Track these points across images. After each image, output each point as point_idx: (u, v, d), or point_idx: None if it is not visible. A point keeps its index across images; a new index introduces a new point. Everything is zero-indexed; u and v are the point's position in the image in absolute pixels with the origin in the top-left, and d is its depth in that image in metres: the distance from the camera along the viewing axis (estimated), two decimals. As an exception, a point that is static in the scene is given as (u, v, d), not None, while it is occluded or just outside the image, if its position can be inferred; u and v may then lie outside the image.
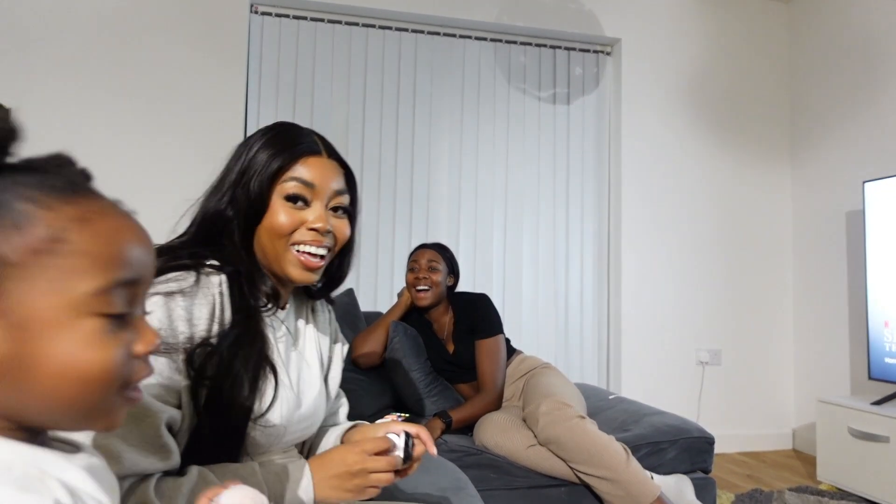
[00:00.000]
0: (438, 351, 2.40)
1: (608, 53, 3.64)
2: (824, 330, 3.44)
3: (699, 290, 3.57)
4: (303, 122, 3.49)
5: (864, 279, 2.95)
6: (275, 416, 0.92)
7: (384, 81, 3.33)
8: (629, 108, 3.54)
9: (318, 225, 0.93)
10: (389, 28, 3.34)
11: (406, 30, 3.36)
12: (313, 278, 0.97)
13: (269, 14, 3.20)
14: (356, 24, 3.30)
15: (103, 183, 0.54)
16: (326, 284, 1.07)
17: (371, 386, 2.33)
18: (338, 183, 0.98)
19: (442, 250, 2.42)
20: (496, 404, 2.26)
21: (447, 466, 1.58)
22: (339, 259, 1.04)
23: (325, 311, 1.15)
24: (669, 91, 3.60)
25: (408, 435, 0.95)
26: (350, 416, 2.25)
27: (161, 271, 0.85)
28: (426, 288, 2.32)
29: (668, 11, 3.62)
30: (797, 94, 3.72)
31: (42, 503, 0.42)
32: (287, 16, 3.22)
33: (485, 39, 3.47)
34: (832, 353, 3.38)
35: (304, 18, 3.24)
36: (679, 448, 2.11)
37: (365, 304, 3.11)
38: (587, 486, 1.96)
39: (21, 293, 0.43)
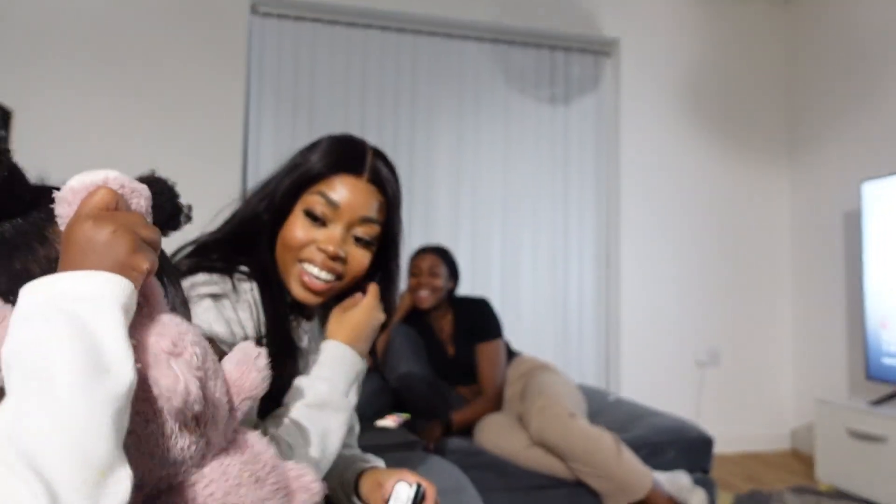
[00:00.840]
0: (438, 353, 2.40)
1: (607, 54, 3.65)
2: (822, 330, 3.45)
3: (698, 290, 3.57)
4: (302, 123, 3.48)
5: (861, 279, 2.95)
6: None
7: (383, 82, 3.33)
8: (628, 109, 3.54)
9: (327, 247, 0.88)
10: (389, 29, 3.34)
11: (405, 30, 3.36)
12: (314, 300, 0.92)
13: (270, 15, 3.20)
14: (355, 25, 3.30)
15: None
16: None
17: (372, 386, 2.33)
18: (368, 210, 0.91)
19: (442, 254, 2.42)
20: (496, 407, 2.27)
21: (448, 468, 1.58)
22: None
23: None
24: (668, 92, 3.60)
25: (419, 486, 0.93)
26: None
27: (192, 270, 0.84)
28: (427, 292, 2.34)
29: (667, 12, 3.62)
30: (795, 94, 3.72)
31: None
32: (287, 17, 3.22)
33: (484, 40, 3.47)
34: (830, 353, 3.39)
35: (305, 19, 3.24)
36: (678, 449, 2.11)
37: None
38: (586, 485, 1.97)
39: None
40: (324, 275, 0.90)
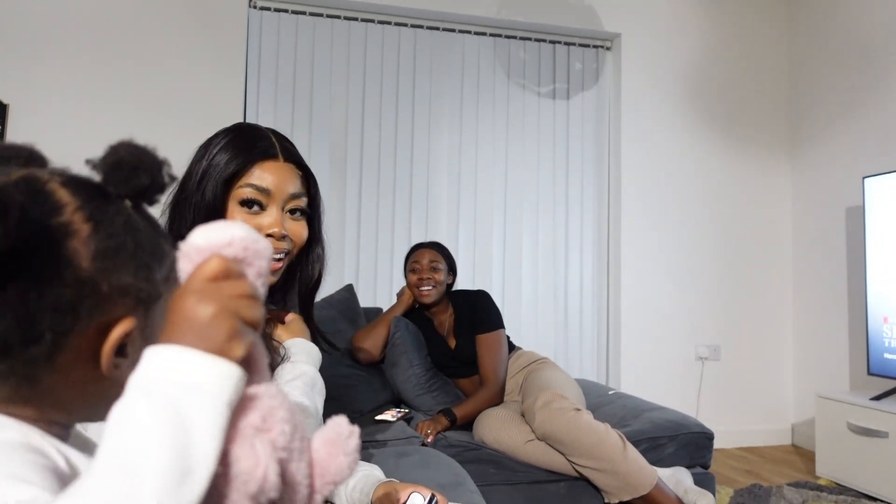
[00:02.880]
0: (440, 346, 2.40)
1: (608, 48, 3.63)
2: (824, 325, 3.45)
3: (698, 285, 3.57)
4: (301, 117, 3.49)
5: (863, 275, 2.94)
6: None
7: (383, 76, 3.32)
8: (629, 104, 3.53)
9: (274, 230, 0.95)
10: (388, 23, 3.33)
11: (405, 24, 3.35)
12: (272, 280, 0.99)
13: (268, 9, 3.19)
14: (355, 19, 3.29)
15: (99, 178, 0.56)
16: (303, 290, 1.09)
17: (371, 381, 2.34)
18: (294, 186, 0.99)
19: (441, 249, 2.42)
20: (498, 398, 2.27)
21: (447, 462, 1.58)
22: (304, 260, 1.07)
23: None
24: (669, 86, 3.59)
25: (433, 496, 1.00)
26: (350, 411, 2.25)
27: None
28: (430, 287, 2.33)
29: (668, 6, 3.60)
30: (797, 89, 3.71)
31: (46, 461, 0.44)
32: (286, 11, 3.21)
33: (484, 34, 3.46)
34: (831, 348, 3.39)
35: (303, 13, 3.23)
36: (678, 443, 2.11)
37: (364, 300, 3.11)
38: (586, 480, 1.97)
39: (156, 312, 0.50)
40: (277, 255, 0.98)
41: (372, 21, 3.31)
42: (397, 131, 3.32)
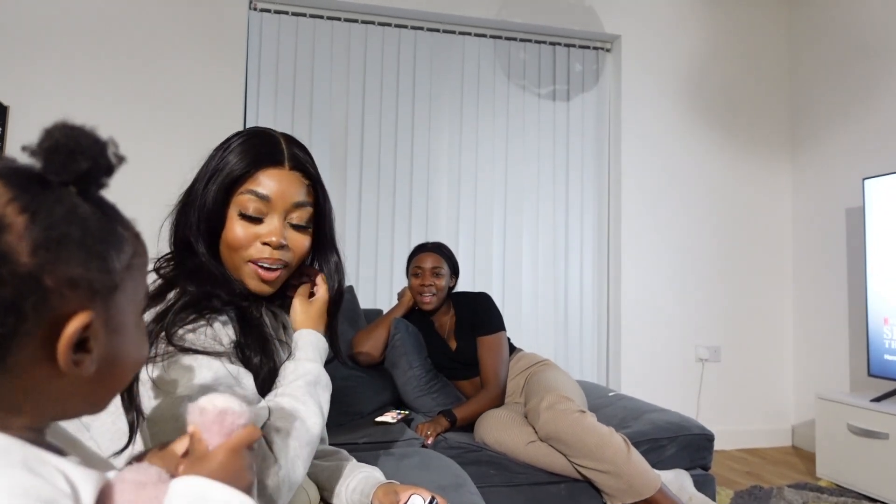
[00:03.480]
0: (440, 348, 2.40)
1: (608, 50, 3.64)
2: (824, 327, 3.45)
3: (699, 286, 3.57)
4: (302, 119, 3.49)
5: (863, 276, 2.94)
6: None
7: (383, 78, 3.32)
8: (629, 105, 3.53)
9: (271, 239, 0.94)
10: (389, 25, 3.34)
11: (405, 26, 3.35)
12: (269, 290, 0.97)
13: (268, 11, 3.19)
14: (355, 21, 3.30)
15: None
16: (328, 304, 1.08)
17: (371, 382, 2.34)
18: (298, 196, 0.96)
19: (443, 252, 2.41)
20: (499, 400, 2.27)
21: (447, 463, 1.58)
22: (323, 267, 1.06)
23: None
24: (669, 88, 3.59)
25: (433, 498, 1.01)
26: (350, 413, 2.25)
27: (174, 313, 0.87)
28: (431, 294, 2.33)
29: (668, 8, 3.61)
30: (797, 90, 3.71)
31: (46, 486, 0.43)
32: (286, 12, 3.21)
33: (484, 36, 3.46)
34: (832, 349, 3.38)
35: (304, 15, 3.23)
36: (679, 445, 2.11)
37: (364, 302, 3.11)
38: (588, 481, 1.96)
39: (118, 303, 0.50)
40: (274, 266, 0.96)
41: (372, 23, 3.32)
42: (397, 133, 3.32)
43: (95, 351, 0.48)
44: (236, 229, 0.94)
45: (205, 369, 0.84)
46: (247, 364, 0.91)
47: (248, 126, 3.12)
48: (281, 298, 1.05)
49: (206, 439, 0.59)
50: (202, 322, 0.88)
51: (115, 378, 0.52)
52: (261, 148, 0.96)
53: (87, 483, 0.47)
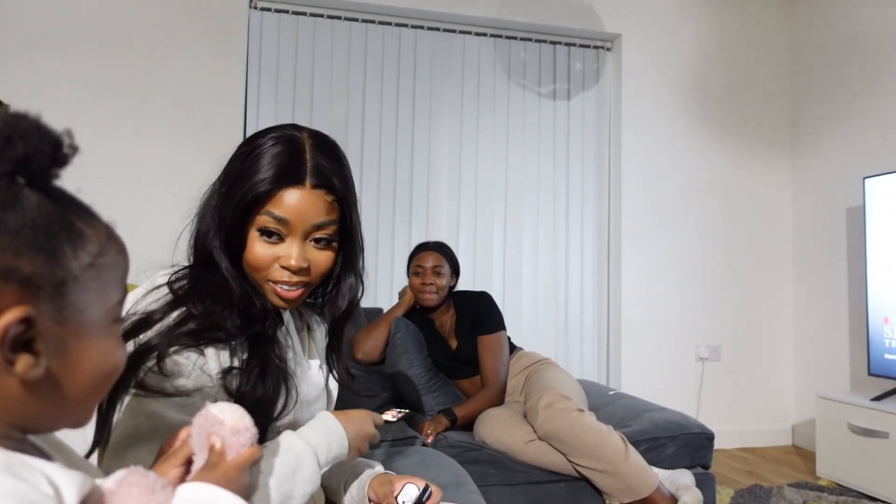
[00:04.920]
0: (441, 347, 2.40)
1: (608, 49, 3.63)
2: (824, 326, 3.44)
3: (699, 285, 3.57)
4: (302, 118, 3.49)
5: (864, 275, 2.94)
6: (286, 419, 0.94)
7: (384, 77, 3.32)
8: (629, 104, 3.53)
9: (290, 263, 0.90)
10: (389, 24, 3.34)
11: (406, 25, 3.35)
12: (292, 306, 0.95)
13: (269, 10, 3.19)
14: (356, 20, 3.29)
15: (99, 180, 0.55)
16: (333, 320, 1.05)
17: (371, 381, 2.34)
18: (319, 216, 0.91)
19: (444, 251, 2.41)
20: (499, 399, 2.27)
21: (447, 462, 1.58)
22: (335, 286, 1.01)
23: (321, 326, 1.14)
24: (670, 86, 3.59)
25: (426, 486, 1.02)
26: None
27: (172, 337, 0.83)
28: (433, 293, 2.33)
29: (669, 6, 3.60)
30: (798, 89, 3.71)
31: (30, 489, 0.43)
32: (286, 11, 3.21)
33: (485, 35, 3.46)
34: (832, 349, 3.38)
35: (304, 14, 3.23)
36: (679, 444, 2.11)
37: (364, 300, 3.09)
38: (586, 480, 1.96)
39: (78, 303, 0.46)
40: (294, 288, 0.93)
41: (372, 22, 3.31)
42: (397, 131, 3.32)
43: (45, 352, 0.45)
44: (256, 249, 0.90)
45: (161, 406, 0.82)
46: (238, 389, 0.87)
47: (247, 125, 3.11)
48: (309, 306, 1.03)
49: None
50: (193, 349, 0.85)
51: (82, 386, 0.48)
52: (283, 165, 0.90)
53: (70, 485, 0.46)
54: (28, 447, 0.50)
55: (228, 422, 0.60)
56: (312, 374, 1.06)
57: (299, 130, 0.95)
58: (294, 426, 0.95)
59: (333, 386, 1.14)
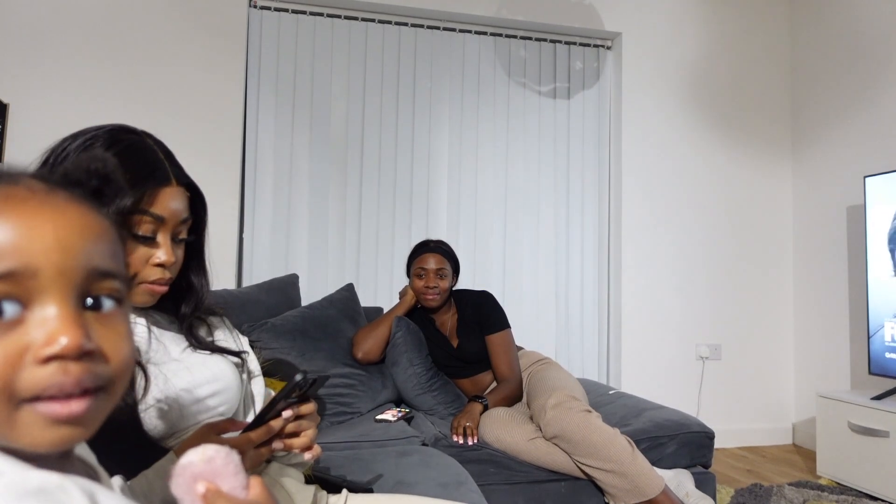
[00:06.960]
0: (442, 346, 2.40)
1: (608, 48, 3.63)
2: (825, 325, 3.44)
3: (699, 284, 3.57)
4: (302, 118, 3.47)
5: (864, 274, 2.94)
6: (151, 399, 0.89)
7: (383, 76, 3.31)
8: (629, 103, 3.53)
9: (163, 259, 0.91)
10: (389, 22, 3.33)
11: (405, 24, 3.35)
12: (152, 301, 0.95)
13: (268, 8, 3.19)
14: (355, 19, 3.29)
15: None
16: (193, 308, 1.03)
17: (371, 380, 2.33)
18: (185, 211, 0.94)
19: (445, 252, 2.41)
20: (520, 391, 2.30)
21: (448, 461, 1.58)
22: (187, 281, 1.02)
23: (222, 319, 1.12)
24: (670, 85, 3.58)
25: (305, 373, 0.88)
26: (350, 412, 2.25)
27: None
28: (436, 295, 2.33)
29: (669, 5, 3.60)
30: (798, 87, 3.71)
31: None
32: (286, 10, 3.20)
33: (485, 34, 3.46)
34: (832, 347, 3.38)
35: (304, 13, 3.22)
36: (679, 443, 2.11)
37: (364, 300, 3.11)
38: (590, 480, 1.96)
39: None
40: (165, 283, 0.94)
41: (372, 20, 3.31)
42: (398, 130, 3.31)
43: None
44: (129, 253, 0.89)
45: None
46: None
47: (247, 124, 3.11)
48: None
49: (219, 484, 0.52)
50: None
51: None
52: (147, 167, 0.91)
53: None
54: (76, 464, 0.46)
55: (196, 458, 0.52)
56: (201, 364, 0.99)
57: (144, 136, 0.96)
58: (177, 405, 0.91)
59: (254, 366, 1.11)
